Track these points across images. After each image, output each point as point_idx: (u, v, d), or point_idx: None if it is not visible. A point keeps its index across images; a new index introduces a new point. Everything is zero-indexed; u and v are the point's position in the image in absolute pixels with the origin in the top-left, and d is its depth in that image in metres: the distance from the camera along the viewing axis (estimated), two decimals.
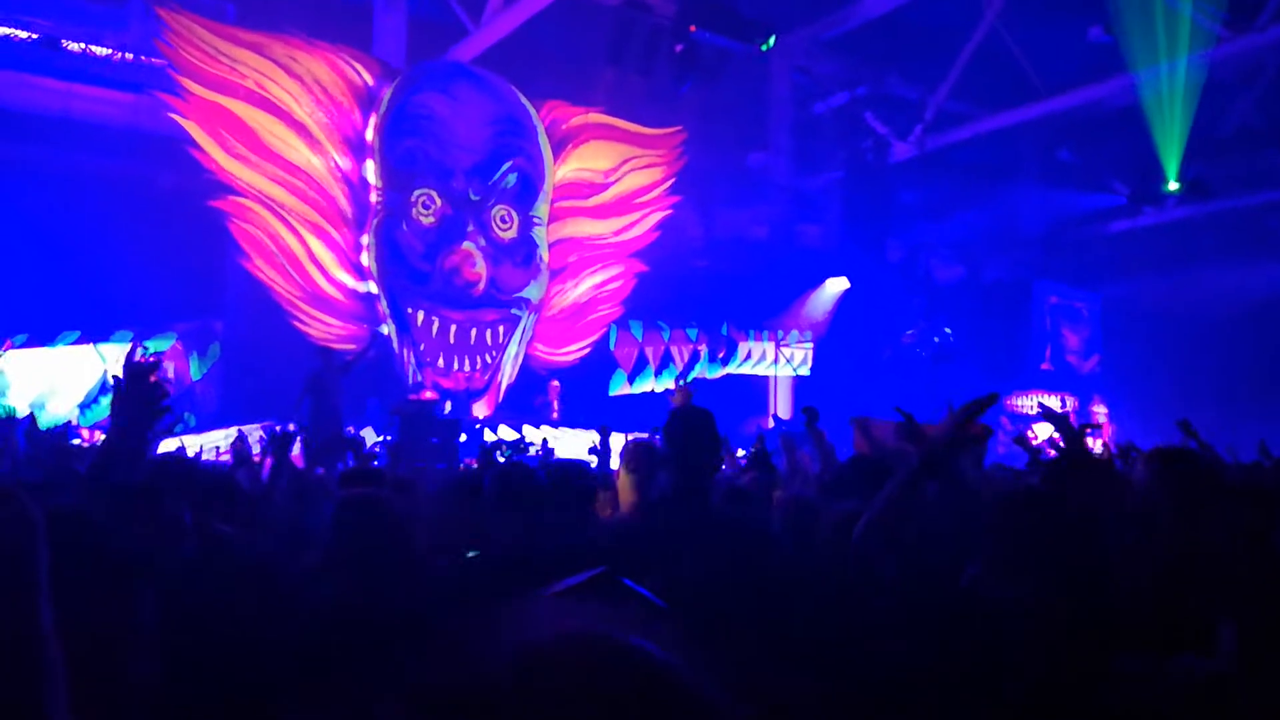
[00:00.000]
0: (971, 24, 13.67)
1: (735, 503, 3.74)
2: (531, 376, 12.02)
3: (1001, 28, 13.63)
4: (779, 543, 3.08)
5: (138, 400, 3.42)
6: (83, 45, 10.13)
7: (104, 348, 9.77)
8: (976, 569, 2.31)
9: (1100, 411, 16.02)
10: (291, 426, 8.55)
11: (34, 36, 9.90)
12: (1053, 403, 14.73)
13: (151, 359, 3.47)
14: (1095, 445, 6.86)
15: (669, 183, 12.98)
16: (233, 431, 9.44)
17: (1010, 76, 14.44)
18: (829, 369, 14.27)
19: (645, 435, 7.61)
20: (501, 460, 8.63)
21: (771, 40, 12.76)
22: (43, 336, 9.52)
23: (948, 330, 14.93)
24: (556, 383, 11.93)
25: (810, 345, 14.65)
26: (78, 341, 9.70)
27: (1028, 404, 14.94)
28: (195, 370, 10.36)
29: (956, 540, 2.80)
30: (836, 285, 14.79)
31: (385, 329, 10.96)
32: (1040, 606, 2.04)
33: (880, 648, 2.08)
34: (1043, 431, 14.78)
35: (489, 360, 11.54)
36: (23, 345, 9.34)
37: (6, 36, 9.78)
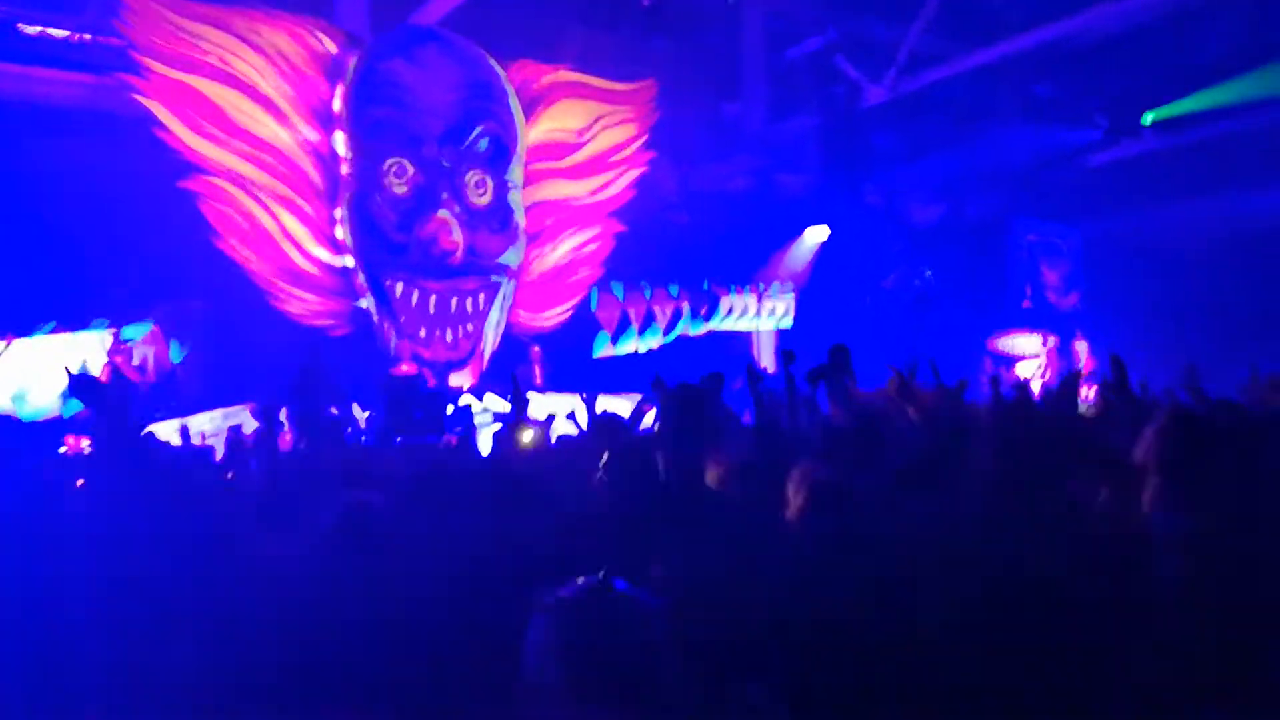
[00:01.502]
0: None
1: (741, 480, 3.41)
2: (514, 343, 11.99)
3: None
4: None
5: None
6: (40, 28, 9.92)
7: (81, 335, 9.72)
8: None
9: (1082, 348, 16.10)
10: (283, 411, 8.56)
11: None
12: (1034, 341, 14.81)
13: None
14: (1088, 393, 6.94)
15: (643, 139, 12.83)
16: (216, 414, 9.49)
17: (985, 12, 14.24)
18: (812, 319, 14.26)
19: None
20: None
21: None
22: (19, 328, 9.44)
23: (928, 273, 14.94)
24: (539, 348, 11.90)
25: (792, 296, 14.63)
26: (54, 331, 9.62)
27: (1008, 345, 15.00)
28: (175, 354, 10.31)
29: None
30: (817, 234, 14.73)
31: (364, 303, 10.91)
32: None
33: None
34: (1022, 371, 14.92)
35: (471, 329, 11.49)
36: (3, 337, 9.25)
37: None
